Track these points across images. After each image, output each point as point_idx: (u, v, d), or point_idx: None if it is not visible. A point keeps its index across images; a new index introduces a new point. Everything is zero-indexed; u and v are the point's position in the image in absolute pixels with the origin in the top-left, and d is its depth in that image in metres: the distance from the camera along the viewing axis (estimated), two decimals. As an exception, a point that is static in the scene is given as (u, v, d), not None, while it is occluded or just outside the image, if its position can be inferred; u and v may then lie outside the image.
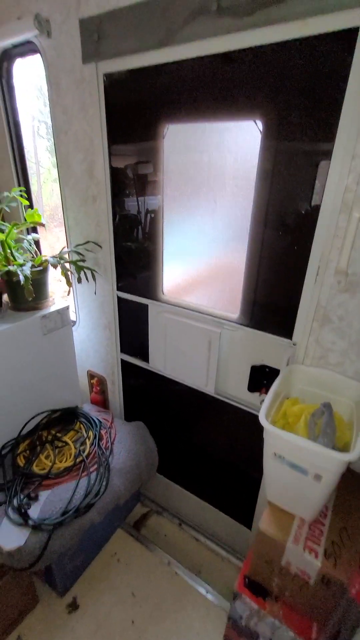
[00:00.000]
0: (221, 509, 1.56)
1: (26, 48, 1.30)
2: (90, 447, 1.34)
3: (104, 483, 1.22)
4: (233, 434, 1.37)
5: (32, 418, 1.42)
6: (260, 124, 0.94)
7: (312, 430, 0.80)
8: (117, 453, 1.34)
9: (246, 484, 1.40)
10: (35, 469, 1.24)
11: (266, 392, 1.18)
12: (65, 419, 1.48)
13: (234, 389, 1.26)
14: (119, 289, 1.42)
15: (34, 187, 1.66)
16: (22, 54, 1.35)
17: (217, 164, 1.06)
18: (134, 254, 1.34)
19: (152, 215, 1.25)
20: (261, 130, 0.95)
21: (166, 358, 1.37)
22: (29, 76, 1.52)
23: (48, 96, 1.25)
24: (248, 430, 1.28)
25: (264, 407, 0.84)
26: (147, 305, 1.35)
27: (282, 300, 1.06)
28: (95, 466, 1.26)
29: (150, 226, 1.27)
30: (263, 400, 1.19)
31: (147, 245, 1.30)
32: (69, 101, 1.21)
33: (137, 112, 1.12)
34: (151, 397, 1.58)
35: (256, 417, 0.82)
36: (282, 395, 1.01)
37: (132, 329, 1.47)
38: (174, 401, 1.49)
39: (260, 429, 0.81)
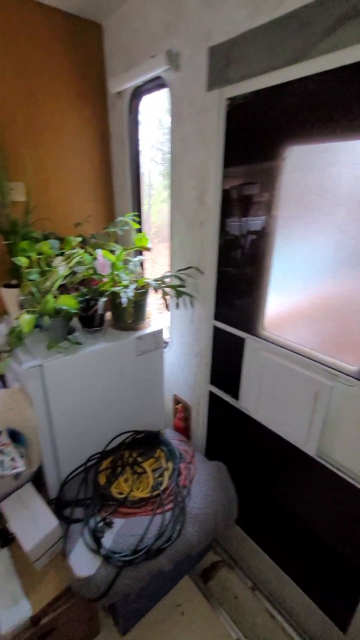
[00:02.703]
0: (307, 592, 1.29)
1: (154, 83, 1.37)
2: (168, 480, 1.27)
3: (178, 528, 1.12)
4: (336, 511, 1.12)
5: (118, 436, 1.44)
6: None
7: None
8: (194, 495, 1.24)
9: (346, 575, 1.12)
10: (114, 491, 1.23)
11: (389, 472, 0.92)
12: (147, 442, 1.46)
13: (346, 458, 1.02)
14: (215, 317, 1.34)
15: (144, 207, 1.75)
16: (151, 90, 1.43)
17: (345, 185, 0.89)
18: (236, 282, 1.25)
19: (260, 240, 1.14)
20: None
21: (259, 400, 1.22)
22: (151, 108, 1.60)
23: (170, 127, 1.28)
24: (358, 514, 1.02)
25: None
26: (244, 340, 1.23)
27: None
28: (171, 505, 1.18)
29: (257, 252, 1.16)
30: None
31: (251, 273, 1.19)
32: (187, 130, 1.21)
33: (257, 134, 1.04)
34: (237, 438, 1.44)
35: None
36: None
37: (225, 361, 1.37)
38: (263, 449, 1.32)
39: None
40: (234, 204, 1.17)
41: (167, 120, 1.60)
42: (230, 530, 1.56)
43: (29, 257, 1.25)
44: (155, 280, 1.35)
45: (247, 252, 1.17)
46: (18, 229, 1.33)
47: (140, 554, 1.03)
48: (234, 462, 1.46)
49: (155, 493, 1.21)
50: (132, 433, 1.47)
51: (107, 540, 1.06)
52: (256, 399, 1.23)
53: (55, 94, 1.45)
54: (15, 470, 1.06)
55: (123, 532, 1.09)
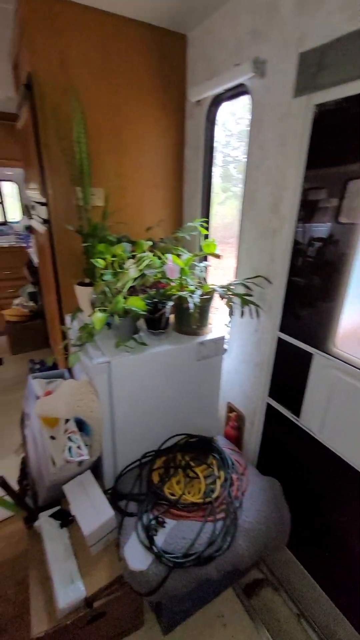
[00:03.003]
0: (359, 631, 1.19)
1: (234, 91, 1.38)
2: (220, 489, 1.26)
3: (229, 539, 1.11)
4: None
5: (172, 437, 1.47)
6: None
7: None
8: (246, 508, 1.21)
9: None
10: (166, 491, 1.26)
11: None
12: (199, 447, 1.47)
13: None
14: (281, 329, 1.30)
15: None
16: (230, 97, 1.44)
17: None
18: (307, 294, 1.20)
19: (338, 250, 1.07)
20: None
21: (324, 421, 1.16)
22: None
23: (248, 133, 1.27)
24: None
25: None
26: (312, 355, 1.17)
27: None
28: (223, 515, 1.17)
29: (334, 263, 1.09)
30: None
31: (325, 285, 1.13)
32: (268, 137, 1.19)
33: (346, 141, 0.98)
34: (294, 456, 1.37)
35: None
36: None
37: (288, 375, 1.32)
38: (324, 472, 1.24)
39: None
40: (312, 212, 1.12)
41: (231, 123, 1.60)
42: (279, 551, 1.50)
43: (104, 259, 1.33)
44: (221, 287, 1.35)
45: (322, 263, 1.12)
46: (97, 233, 1.42)
47: (190, 558, 1.04)
48: (289, 480, 1.40)
49: (207, 500, 1.21)
50: (185, 436, 1.49)
51: (159, 538, 1.09)
52: (321, 419, 1.17)
53: (139, 104, 1.53)
54: (80, 458, 1.14)
55: (174, 533, 1.11)
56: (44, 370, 2.74)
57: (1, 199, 3.81)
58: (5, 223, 3.88)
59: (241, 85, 1.29)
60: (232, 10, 1.24)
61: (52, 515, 1.27)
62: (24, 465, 1.60)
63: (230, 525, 1.15)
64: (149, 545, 1.06)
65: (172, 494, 1.25)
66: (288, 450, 1.40)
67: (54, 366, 2.82)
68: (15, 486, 1.41)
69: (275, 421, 1.42)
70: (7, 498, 1.35)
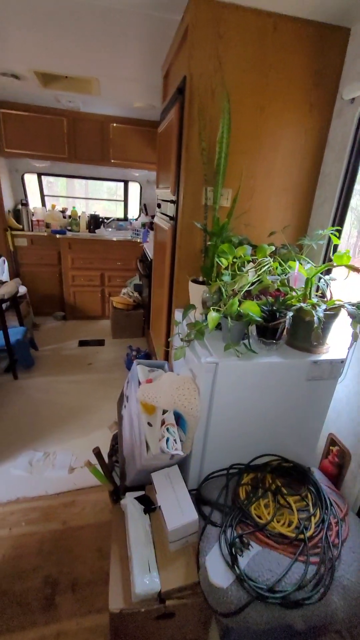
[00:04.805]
0: None
1: None
2: (314, 528, 1.12)
3: (321, 590, 0.97)
4: None
5: (264, 455, 1.38)
6: None
7: None
8: (346, 562, 1.04)
9: None
10: (253, 512, 1.18)
11: None
12: (293, 475, 1.33)
13: None
14: None
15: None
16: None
17: None
18: None
19: None
20: None
21: None
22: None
23: None
24: None
25: None
26: None
27: None
28: (317, 559, 1.03)
29: None
30: None
31: None
32: None
33: None
34: None
35: None
36: None
37: None
38: None
39: None
40: None
41: None
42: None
43: (226, 259, 1.31)
44: (352, 304, 1.19)
45: None
46: (223, 232, 1.42)
47: (276, 595, 0.94)
48: None
49: (299, 536, 1.08)
50: (279, 458, 1.37)
51: (243, 560, 1.02)
52: None
53: (283, 104, 1.47)
54: (175, 452, 1.14)
55: (259, 561, 1.02)
56: (140, 357, 2.92)
57: (126, 197, 4.21)
58: (126, 219, 4.28)
59: None
60: None
61: (137, 499, 1.32)
62: (116, 442, 1.71)
63: (325, 574, 1.00)
64: (232, 564, 1.00)
65: (259, 517, 1.16)
66: None
67: (149, 355, 2.98)
68: (105, 459, 1.51)
69: (394, 471, 1.19)
70: (98, 468, 1.45)
